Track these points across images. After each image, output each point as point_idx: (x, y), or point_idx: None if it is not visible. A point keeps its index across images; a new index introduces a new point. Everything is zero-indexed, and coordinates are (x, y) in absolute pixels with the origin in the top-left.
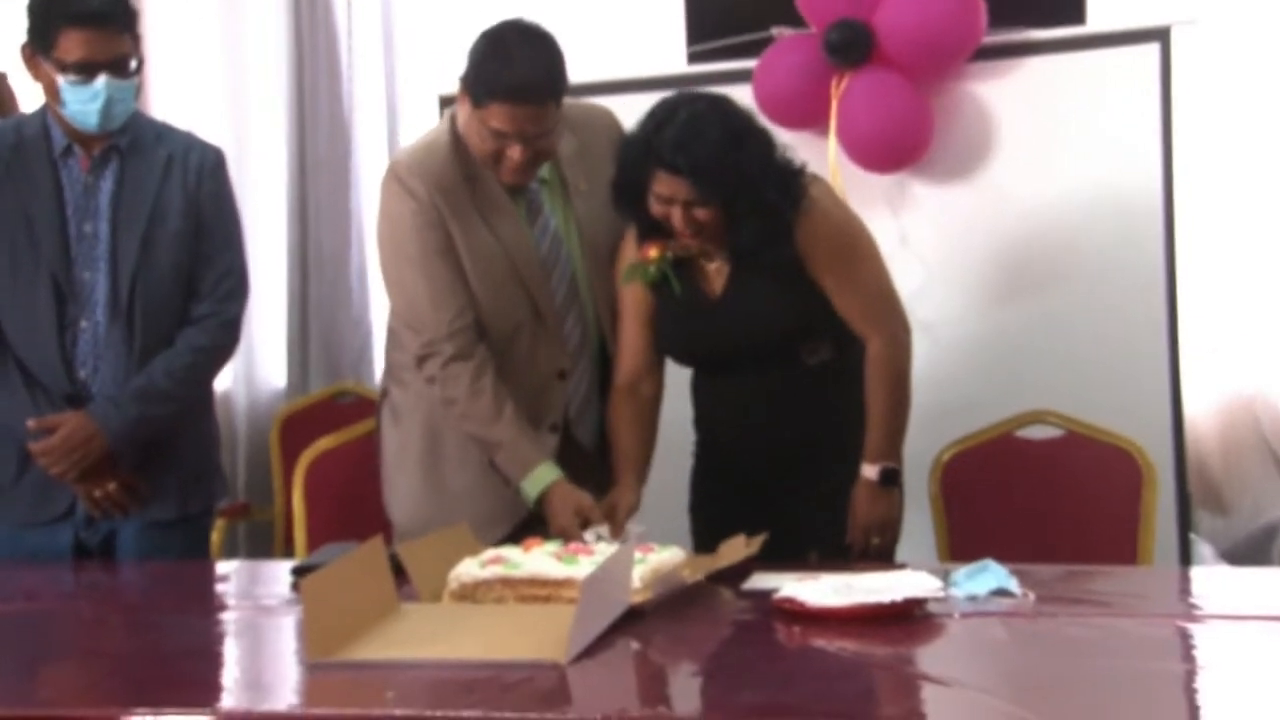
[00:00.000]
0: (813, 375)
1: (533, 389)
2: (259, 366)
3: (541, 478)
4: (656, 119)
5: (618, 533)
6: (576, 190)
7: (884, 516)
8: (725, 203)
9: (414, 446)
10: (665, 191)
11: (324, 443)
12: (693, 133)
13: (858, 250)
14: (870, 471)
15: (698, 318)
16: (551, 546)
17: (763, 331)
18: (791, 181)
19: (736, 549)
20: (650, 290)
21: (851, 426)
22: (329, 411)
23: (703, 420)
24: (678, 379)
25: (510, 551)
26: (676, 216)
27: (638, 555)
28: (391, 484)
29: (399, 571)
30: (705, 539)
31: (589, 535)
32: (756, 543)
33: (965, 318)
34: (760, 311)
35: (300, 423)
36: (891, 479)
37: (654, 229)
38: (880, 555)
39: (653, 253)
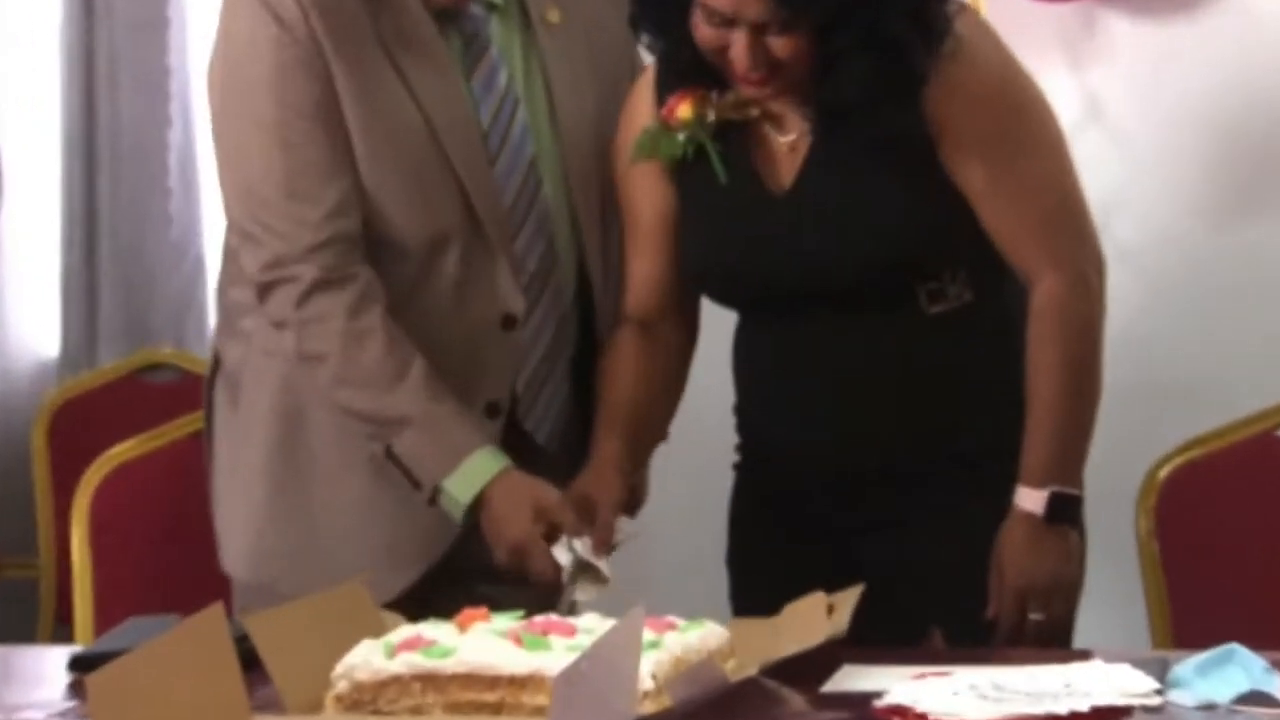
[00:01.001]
0: (936, 332)
1: (459, 345)
2: (11, 324)
3: (478, 470)
4: None
5: (605, 542)
6: (544, 23)
7: (1053, 573)
8: (820, 28)
9: (259, 442)
10: (725, 5)
11: (122, 450)
12: None
13: (1029, 127)
14: (1031, 499)
15: (753, 224)
16: (505, 622)
17: (861, 254)
18: (928, 7)
19: (810, 621)
20: (674, 177)
21: (998, 420)
22: (130, 396)
23: (751, 406)
24: (708, 341)
25: (438, 629)
26: (739, 48)
27: (649, 635)
28: (225, 506)
29: (251, 661)
30: (753, 601)
31: (560, 553)
32: (845, 607)
33: (1190, 239)
34: (857, 220)
35: (82, 415)
36: (1066, 511)
37: (690, 71)
38: (1048, 636)
39: (684, 110)
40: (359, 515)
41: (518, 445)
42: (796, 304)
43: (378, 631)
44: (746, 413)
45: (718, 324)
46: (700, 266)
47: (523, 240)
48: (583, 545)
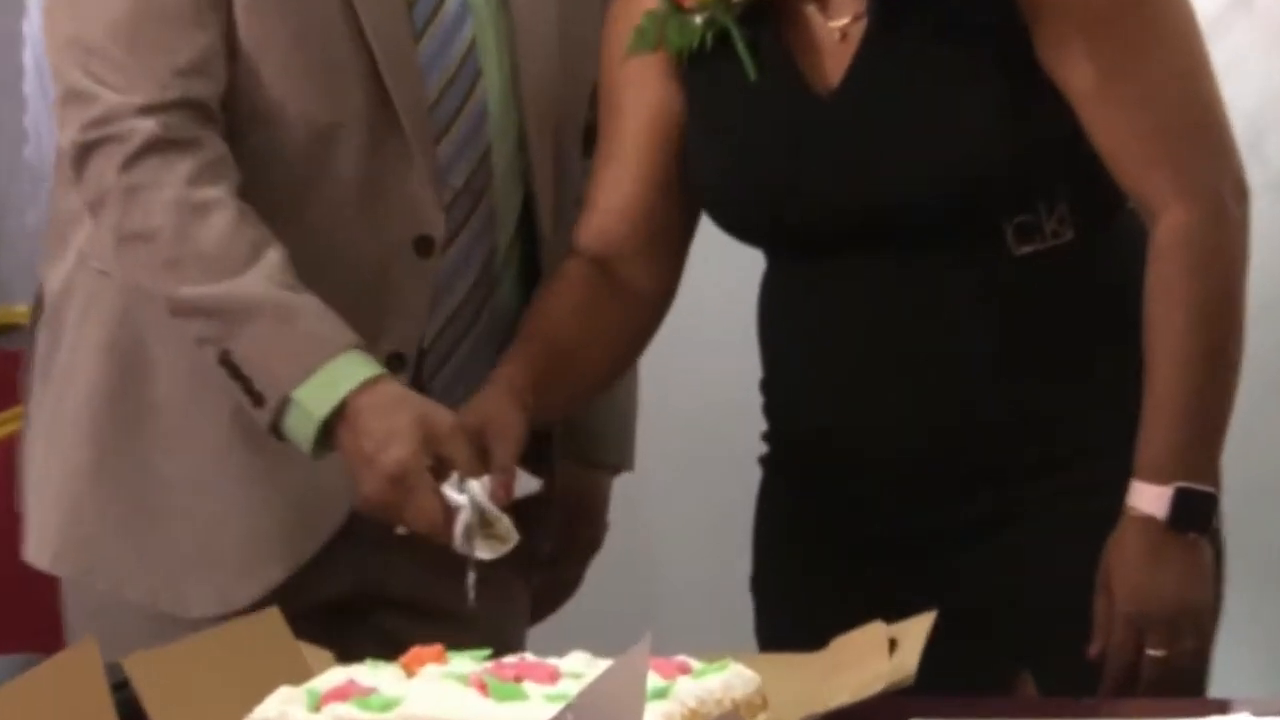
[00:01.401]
0: (1026, 281)
1: (358, 271)
2: None
3: (342, 374)
4: None
5: (507, 487)
6: None
7: (1178, 595)
8: None
9: (83, 388)
10: None
11: None
12: None
13: (1154, 12)
14: (1149, 499)
15: (789, 135)
16: (465, 663)
17: (928, 175)
18: None
19: (866, 661)
20: (683, 74)
21: (1107, 398)
22: None
23: (782, 381)
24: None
25: (377, 673)
26: None
27: (655, 680)
28: (35, 475)
29: (132, 715)
30: (787, 635)
31: (451, 491)
32: (912, 643)
33: None
34: (924, 129)
35: None
36: (1195, 514)
37: None
38: (1173, 680)
39: None
40: (208, 489)
41: None
42: (843, 242)
43: (298, 675)
44: (776, 390)
45: (737, 276)
46: (716, 191)
47: (449, 144)
48: (481, 489)
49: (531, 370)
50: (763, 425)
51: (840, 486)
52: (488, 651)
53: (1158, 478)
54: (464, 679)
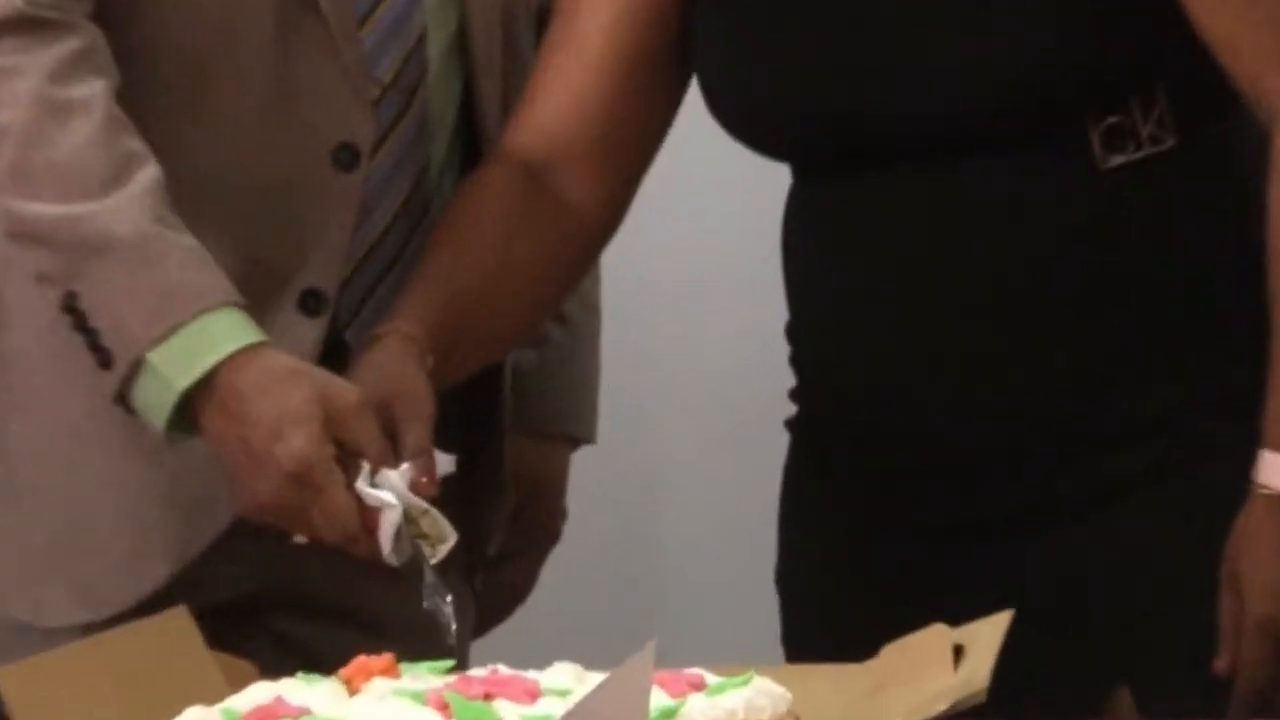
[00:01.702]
0: (1117, 198)
1: (264, 189)
2: None
3: (213, 336)
4: None
5: (430, 474)
6: None
7: None
8: None
9: None
10: None
11: None
12: None
13: None
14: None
15: (824, 17)
16: (421, 677)
17: (999, 66)
18: None
19: (925, 672)
20: None
21: (1221, 342)
22: None
23: (814, 325)
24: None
25: (312, 689)
26: None
27: (661, 699)
28: None
29: None
30: (822, 640)
31: (367, 487)
32: (983, 649)
33: None
34: (995, 11)
35: None
36: None
37: None
38: None
39: None
40: (75, 466)
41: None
42: (889, 155)
43: (211, 690)
44: (806, 338)
45: (762, 206)
46: (734, 92)
47: (376, 30)
48: (401, 480)
49: (435, 316)
50: (785, 384)
51: (885, 456)
52: (451, 663)
53: None
54: (420, 697)
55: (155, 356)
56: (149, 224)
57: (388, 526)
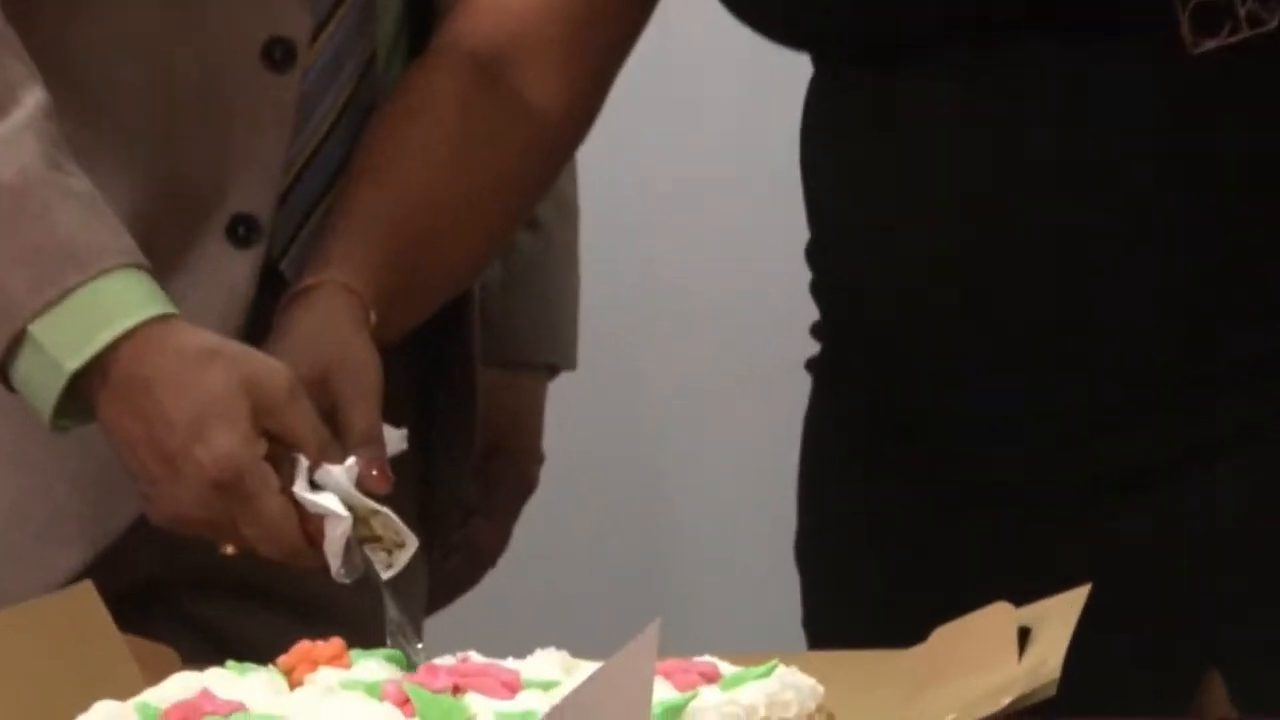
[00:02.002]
0: (1208, 85)
1: (183, 101)
2: None
3: (107, 307)
4: None
5: (380, 467)
6: None
7: None
8: None
9: None
10: None
11: None
12: None
13: None
14: None
15: None
16: (376, 668)
17: None
18: None
19: (985, 658)
20: None
21: None
22: None
23: (839, 243)
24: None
25: (246, 681)
26: None
27: (667, 692)
28: None
29: None
30: (854, 623)
31: (306, 492)
32: (1054, 632)
33: None
34: None
35: None
36: None
37: None
38: None
39: None
40: None
41: (265, 310)
42: (939, 33)
43: (124, 682)
44: (831, 261)
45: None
46: None
47: None
48: (347, 477)
49: (376, 256)
50: (802, 326)
51: (926, 401)
52: (418, 645)
53: None
54: (374, 690)
55: (38, 328)
56: (32, 165)
57: (335, 539)
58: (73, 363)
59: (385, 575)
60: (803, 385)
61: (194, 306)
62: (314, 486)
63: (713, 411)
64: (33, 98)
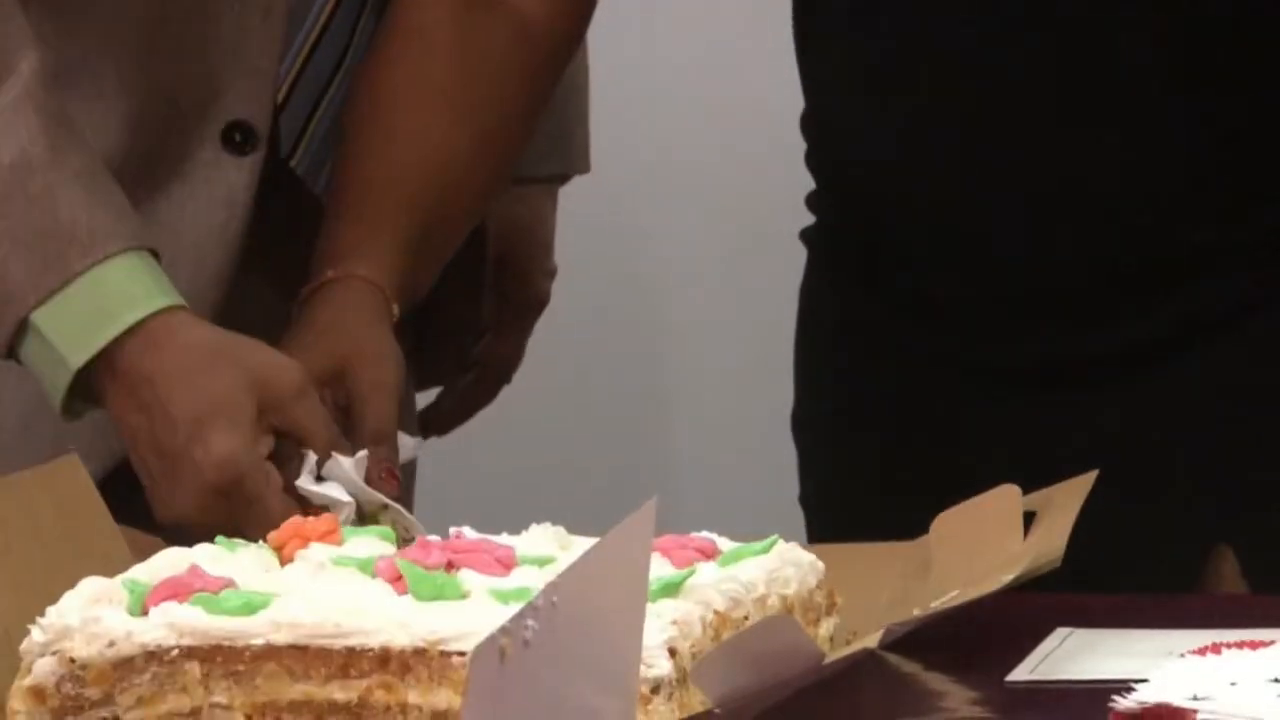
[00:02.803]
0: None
1: (162, 6)
2: None
3: (111, 298)
4: None
5: (389, 466)
6: None
7: None
8: None
9: None
10: None
11: None
12: None
13: None
14: None
15: None
16: (368, 544)
17: None
18: None
19: (989, 540)
20: None
21: None
22: None
23: (836, 110)
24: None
25: (234, 557)
26: None
27: (664, 568)
28: None
29: None
30: (856, 505)
31: (312, 485)
32: (1060, 514)
33: None
34: None
35: None
36: None
37: None
38: None
39: None
40: None
41: (279, 213)
42: None
43: (112, 557)
44: (828, 130)
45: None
46: None
47: None
48: (356, 470)
49: (398, 241)
50: (797, 205)
51: (929, 276)
52: (412, 520)
53: None
54: (367, 566)
55: (41, 318)
56: (30, 141)
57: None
58: (77, 358)
59: None
60: (797, 256)
61: (192, 215)
62: (321, 480)
63: (709, 283)
64: (28, 64)
